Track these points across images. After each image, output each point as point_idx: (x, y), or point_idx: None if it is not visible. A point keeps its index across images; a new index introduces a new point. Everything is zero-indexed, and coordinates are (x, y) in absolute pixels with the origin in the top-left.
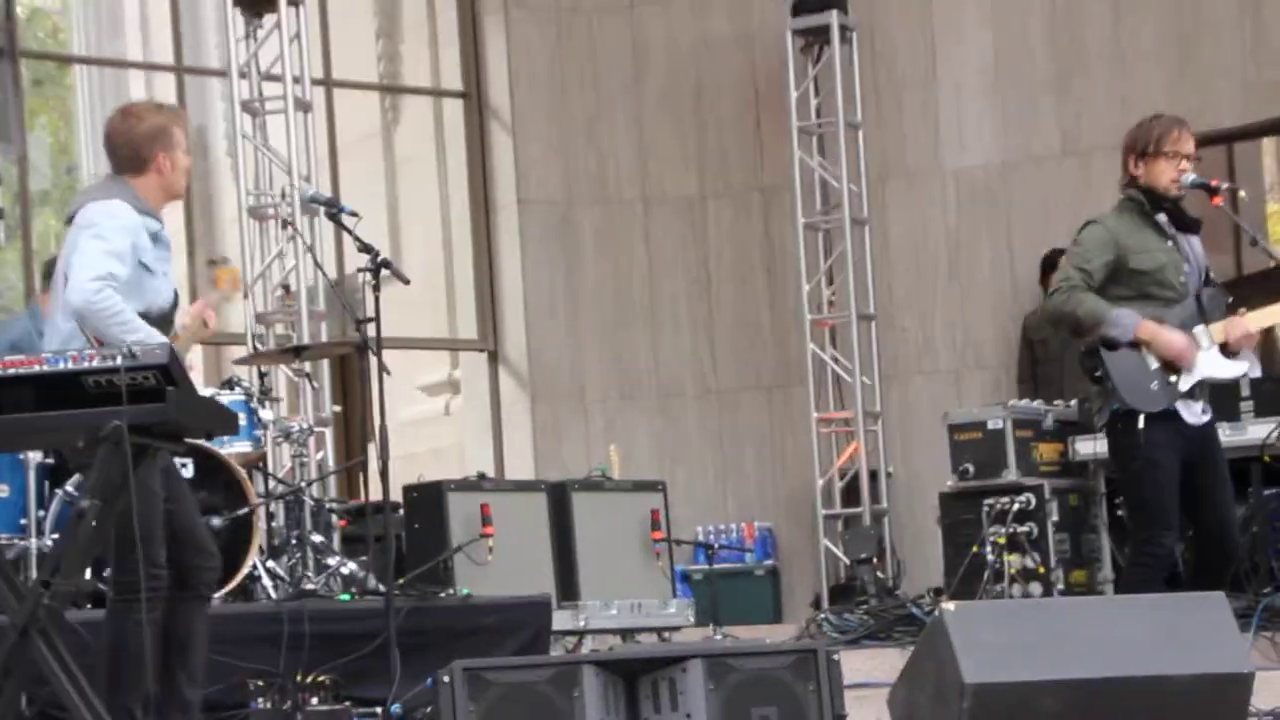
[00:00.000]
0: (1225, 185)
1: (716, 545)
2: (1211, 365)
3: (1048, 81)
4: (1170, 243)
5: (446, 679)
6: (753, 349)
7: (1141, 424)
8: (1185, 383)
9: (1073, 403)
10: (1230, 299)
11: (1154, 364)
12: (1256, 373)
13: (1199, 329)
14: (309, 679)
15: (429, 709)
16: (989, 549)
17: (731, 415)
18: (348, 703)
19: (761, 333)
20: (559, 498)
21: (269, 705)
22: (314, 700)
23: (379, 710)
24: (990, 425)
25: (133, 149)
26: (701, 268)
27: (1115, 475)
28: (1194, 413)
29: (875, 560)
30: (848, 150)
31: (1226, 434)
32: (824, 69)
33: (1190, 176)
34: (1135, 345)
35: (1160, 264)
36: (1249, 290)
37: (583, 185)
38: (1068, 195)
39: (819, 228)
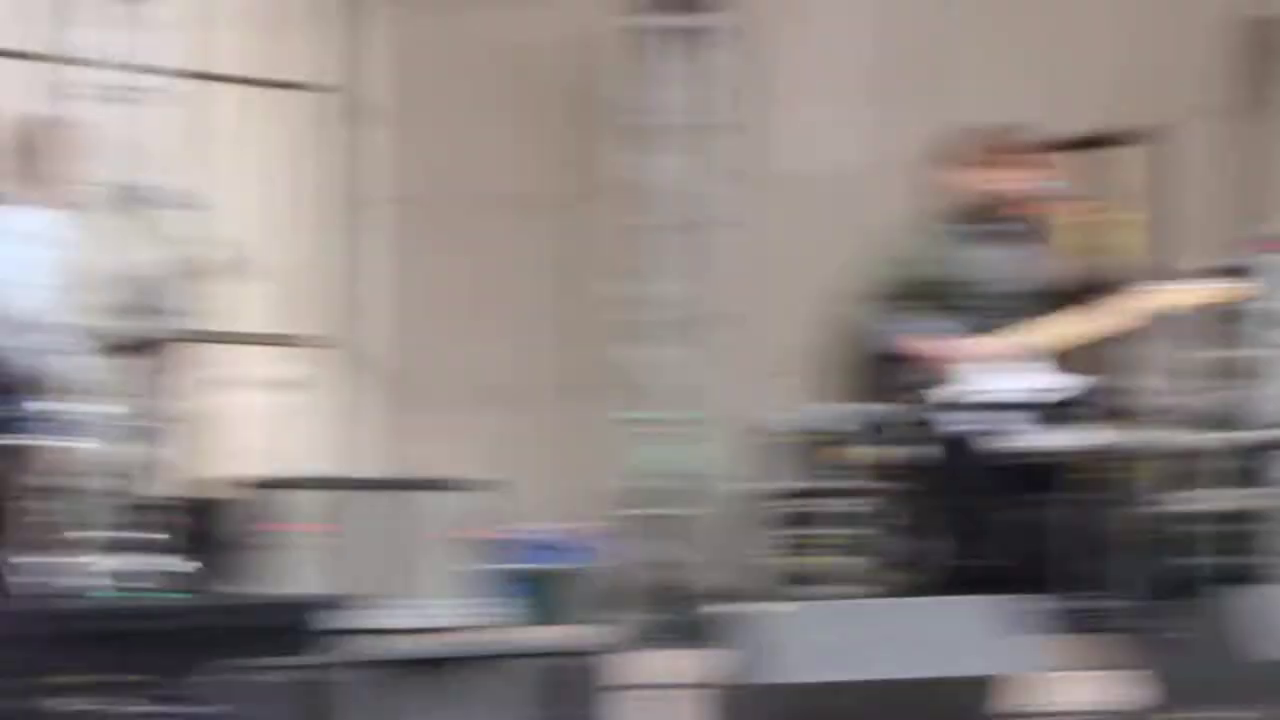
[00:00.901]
0: (1056, 189)
1: (549, 545)
2: (1020, 378)
3: (922, 85)
4: (995, 253)
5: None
6: (601, 349)
7: (935, 439)
8: (993, 393)
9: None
10: (1046, 303)
11: (952, 372)
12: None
13: (1008, 334)
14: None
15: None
16: (810, 549)
17: (575, 415)
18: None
19: (612, 333)
20: (401, 496)
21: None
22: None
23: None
24: (802, 428)
25: None
26: (560, 269)
27: (919, 475)
28: (1004, 425)
29: (701, 561)
30: (706, 151)
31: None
32: (693, 68)
33: (1027, 185)
34: (919, 355)
35: (970, 272)
36: (1073, 297)
37: (447, 184)
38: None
39: (668, 230)
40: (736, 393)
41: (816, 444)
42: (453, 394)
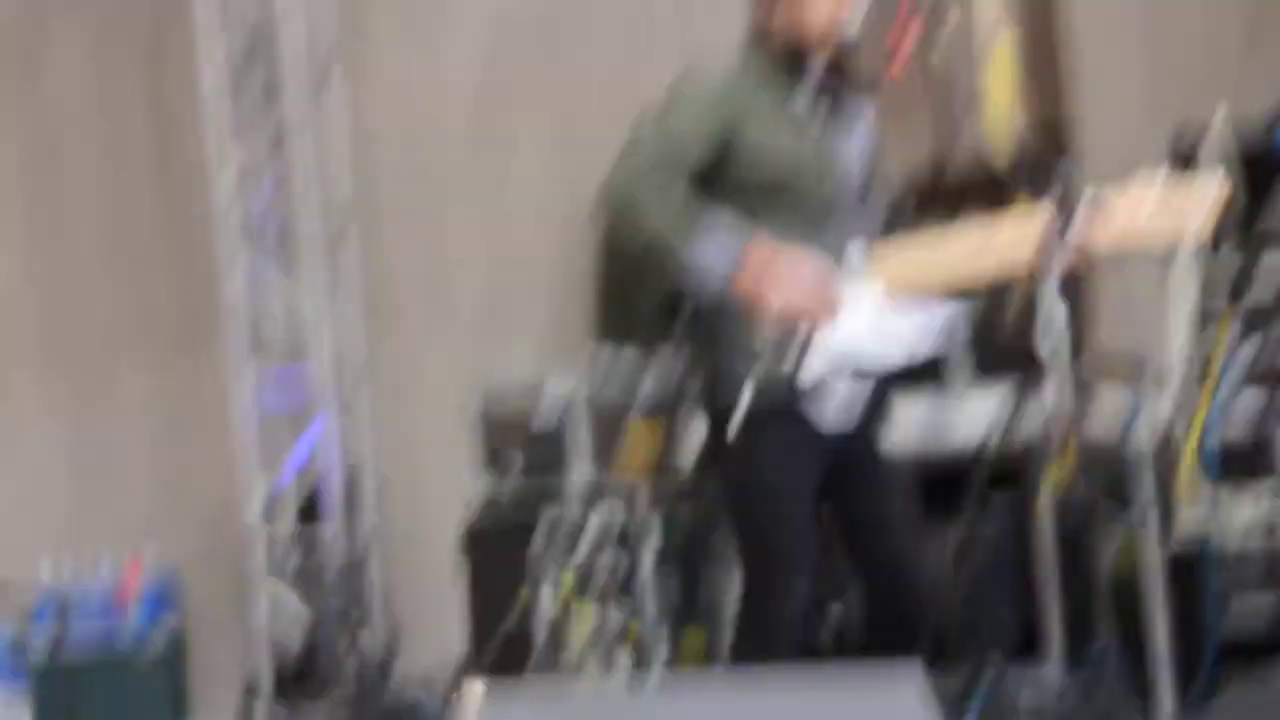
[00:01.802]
0: (919, 21)
1: (66, 599)
2: (861, 329)
3: None
4: (816, 120)
5: None
6: (141, 278)
7: (742, 426)
8: (813, 362)
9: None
10: (908, 214)
11: (772, 319)
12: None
13: (853, 259)
14: None
15: None
16: (545, 596)
17: (105, 389)
18: None
19: (153, 252)
20: None
21: None
22: None
23: None
24: (547, 394)
25: None
26: (42, 136)
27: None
28: (830, 410)
29: (354, 619)
30: None
31: (919, 431)
32: None
33: (860, 16)
34: (735, 287)
35: (794, 155)
36: (951, 203)
37: None
38: (658, 33)
39: (247, 88)
40: (417, 345)
41: (597, 419)
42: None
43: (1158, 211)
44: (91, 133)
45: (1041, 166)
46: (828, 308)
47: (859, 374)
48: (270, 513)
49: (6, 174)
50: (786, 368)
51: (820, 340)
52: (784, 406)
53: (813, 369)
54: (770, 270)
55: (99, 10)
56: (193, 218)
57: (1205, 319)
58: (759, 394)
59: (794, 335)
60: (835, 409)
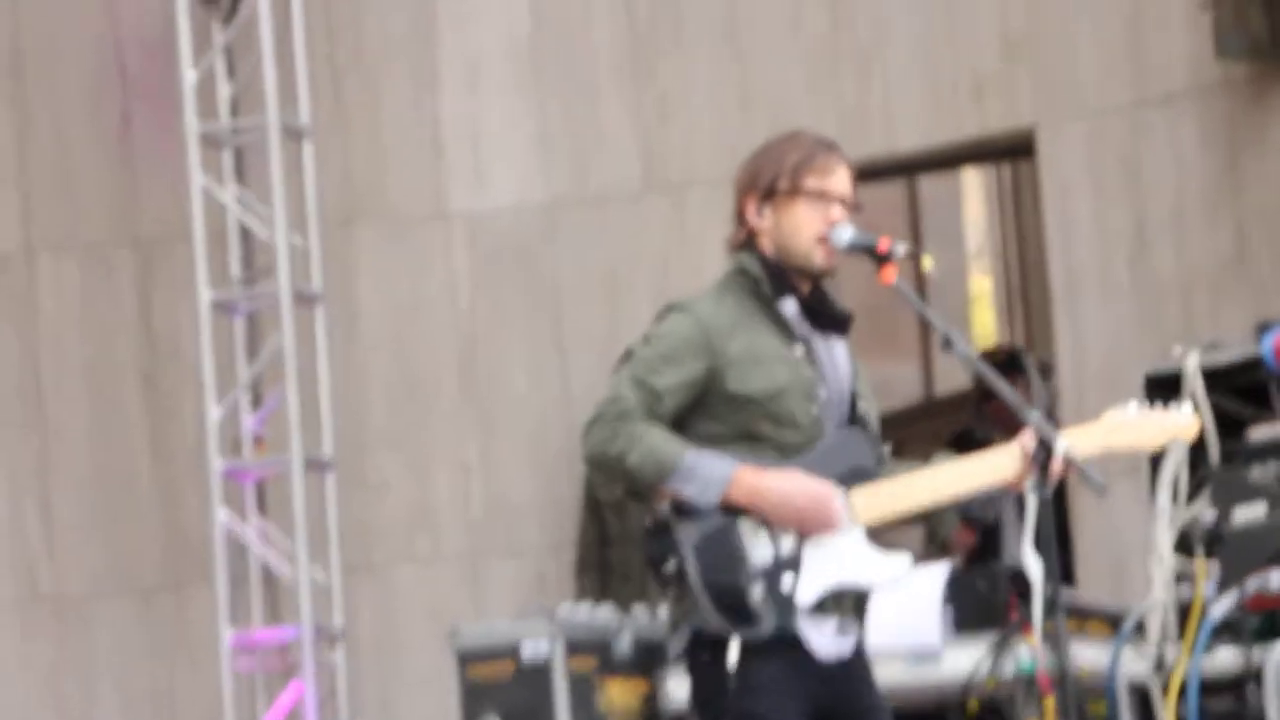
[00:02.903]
0: (902, 248)
1: None
2: (853, 559)
3: (618, 73)
4: (800, 349)
5: None
6: (119, 521)
7: (735, 658)
8: (809, 589)
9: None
10: (887, 447)
11: (761, 550)
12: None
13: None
14: None
15: None
16: None
17: (79, 637)
18: None
19: (136, 491)
20: None
21: None
22: None
23: None
24: (527, 650)
25: None
26: (29, 374)
27: None
28: (826, 637)
29: None
30: (286, 178)
31: (902, 670)
32: (241, 37)
33: (844, 232)
34: (729, 513)
35: (779, 385)
36: (940, 421)
37: None
38: (652, 255)
39: (236, 308)
40: (399, 590)
41: (574, 677)
42: None
43: (1129, 437)
44: (82, 358)
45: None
46: (826, 517)
47: (847, 603)
48: None
49: (2, 401)
50: (776, 596)
51: (814, 561)
52: (780, 635)
53: (809, 592)
54: (762, 488)
55: (89, 238)
56: (183, 448)
57: (1184, 562)
58: (755, 621)
59: (789, 556)
60: (825, 638)
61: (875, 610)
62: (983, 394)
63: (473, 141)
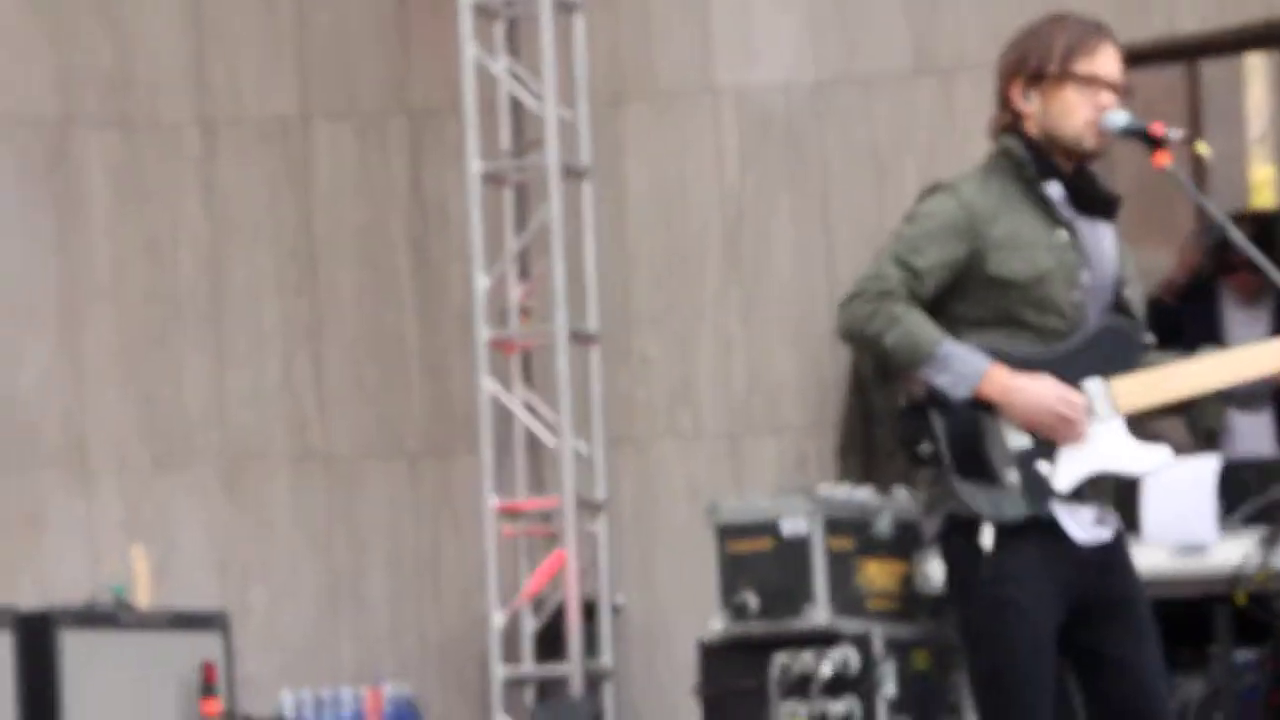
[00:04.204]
0: (1177, 133)
1: None
2: (1113, 448)
3: None
4: (1064, 233)
5: None
6: (388, 386)
7: (990, 542)
8: (1066, 475)
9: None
10: (1153, 339)
11: (1016, 439)
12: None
13: (1095, 386)
14: None
15: None
16: None
17: (349, 499)
18: None
19: (404, 357)
20: (38, 636)
21: None
22: None
23: None
24: (786, 527)
25: None
26: (302, 239)
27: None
28: (1083, 524)
29: None
30: (557, 52)
31: (1167, 560)
32: None
33: (1117, 117)
34: (981, 405)
35: (1042, 270)
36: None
37: (90, 95)
38: (920, 138)
39: (506, 179)
40: (659, 464)
41: (833, 555)
42: (121, 453)
43: None
44: (354, 224)
45: None
46: (1073, 430)
47: (1106, 492)
48: (510, 647)
49: (277, 263)
50: (1035, 482)
51: (1072, 449)
52: (1029, 523)
53: (1065, 477)
54: (1014, 389)
55: (364, 107)
56: (450, 317)
57: None
58: (1010, 506)
59: (1044, 445)
60: (1081, 526)
61: (1149, 504)
62: (1221, 266)
63: (743, 18)
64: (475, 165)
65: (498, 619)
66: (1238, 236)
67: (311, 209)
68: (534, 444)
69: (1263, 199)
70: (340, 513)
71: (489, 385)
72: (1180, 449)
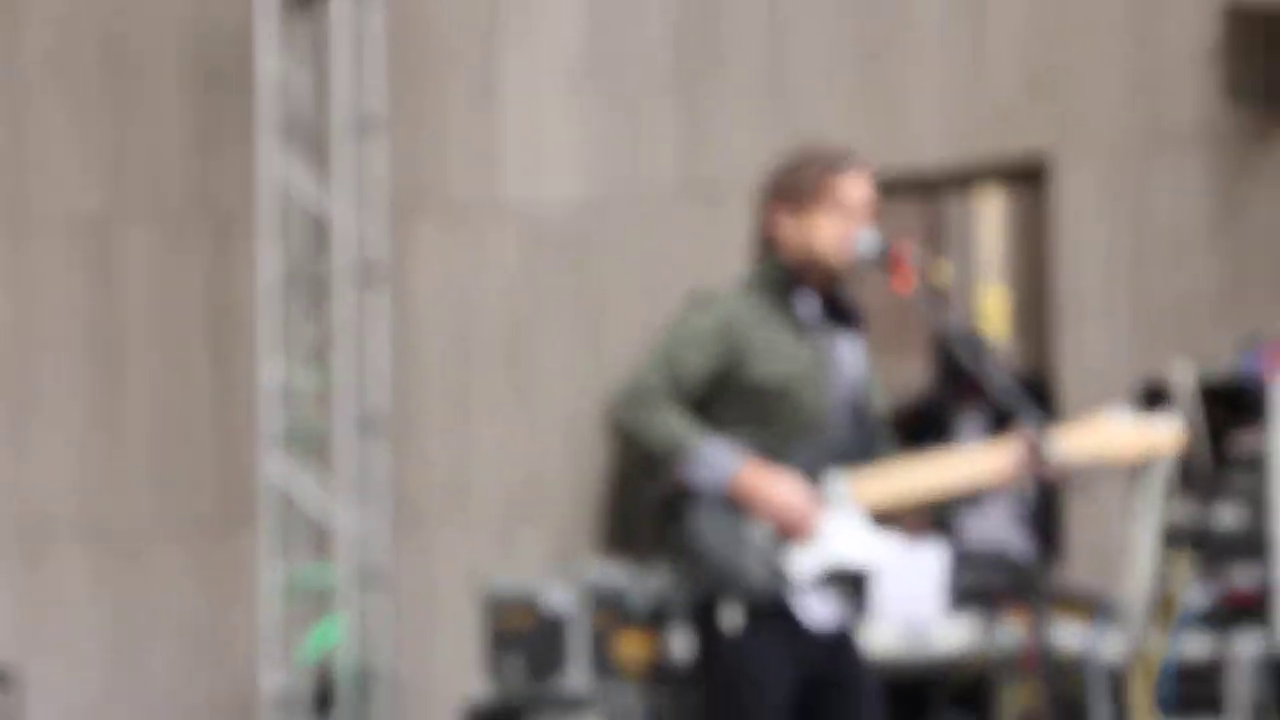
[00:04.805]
0: (917, 254)
1: None
2: (846, 542)
3: (667, 86)
4: (814, 344)
5: None
6: (181, 466)
7: (732, 622)
8: (803, 566)
9: None
10: (894, 440)
11: (761, 531)
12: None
13: (837, 483)
14: None
15: None
16: None
17: (139, 573)
18: None
19: (196, 441)
20: None
21: None
22: None
23: None
24: (549, 603)
25: None
26: (103, 328)
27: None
28: (818, 610)
29: None
30: (358, 165)
31: (895, 643)
32: (321, 36)
33: (867, 239)
34: (733, 499)
35: (792, 376)
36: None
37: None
38: (689, 252)
39: (300, 281)
40: (440, 550)
41: (595, 627)
42: None
43: (1119, 443)
44: (153, 321)
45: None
46: (806, 527)
47: (843, 576)
48: (287, 703)
49: (73, 351)
50: (772, 570)
51: (807, 545)
52: (774, 604)
53: (804, 568)
54: (761, 489)
55: (166, 212)
56: (240, 403)
57: (1166, 556)
58: (752, 589)
59: (785, 538)
60: (822, 609)
61: (880, 586)
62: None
63: (532, 135)
64: (270, 266)
65: (269, 682)
66: (970, 358)
67: (112, 300)
68: (318, 521)
69: (993, 326)
70: (130, 587)
71: (274, 472)
72: (916, 531)
